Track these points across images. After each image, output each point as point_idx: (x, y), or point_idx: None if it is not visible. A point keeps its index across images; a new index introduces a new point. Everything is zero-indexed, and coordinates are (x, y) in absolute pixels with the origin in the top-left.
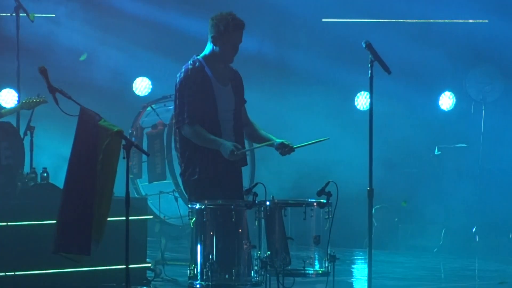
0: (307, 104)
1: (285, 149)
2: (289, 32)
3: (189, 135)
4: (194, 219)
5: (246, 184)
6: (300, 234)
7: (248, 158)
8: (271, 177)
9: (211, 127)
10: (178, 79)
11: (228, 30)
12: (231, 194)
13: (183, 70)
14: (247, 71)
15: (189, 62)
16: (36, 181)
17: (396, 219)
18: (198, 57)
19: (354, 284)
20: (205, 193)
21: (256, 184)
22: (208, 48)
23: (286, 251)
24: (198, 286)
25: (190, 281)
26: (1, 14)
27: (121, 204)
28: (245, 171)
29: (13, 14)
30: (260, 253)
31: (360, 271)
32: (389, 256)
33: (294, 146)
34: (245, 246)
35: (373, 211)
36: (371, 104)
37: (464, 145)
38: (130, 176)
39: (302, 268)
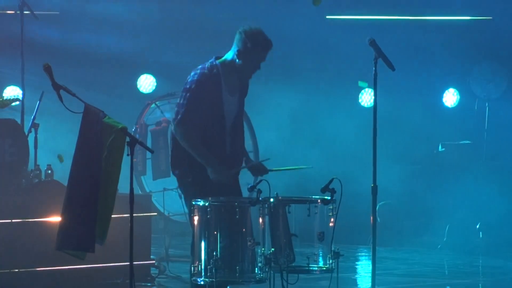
0: (311, 101)
1: (259, 171)
2: (292, 30)
3: (178, 135)
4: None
5: (250, 181)
6: (304, 231)
7: (251, 155)
8: (275, 174)
9: (218, 133)
10: (190, 78)
11: (257, 50)
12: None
13: (198, 71)
14: None
15: (207, 65)
16: (41, 178)
17: (400, 215)
18: (217, 62)
19: (358, 281)
20: (200, 193)
21: (260, 181)
22: (230, 56)
23: (290, 248)
24: (202, 283)
25: (194, 278)
26: (6, 12)
27: (125, 201)
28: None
29: (18, 12)
30: (264, 250)
31: (364, 267)
32: (393, 253)
33: (270, 169)
34: (249, 243)
35: (377, 207)
36: (375, 101)
37: (468, 142)
38: (134, 173)
39: (306, 265)
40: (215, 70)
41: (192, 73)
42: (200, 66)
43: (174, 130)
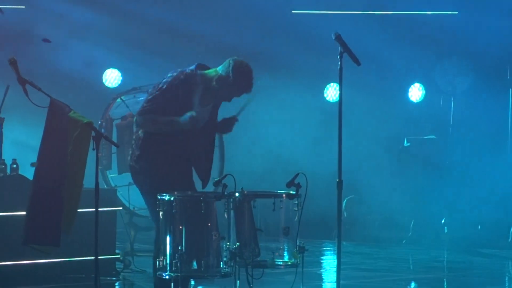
0: (276, 96)
1: (228, 124)
2: (258, 24)
3: (141, 123)
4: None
5: (215, 176)
6: (269, 226)
7: (217, 150)
8: (241, 169)
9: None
10: (165, 79)
11: (234, 87)
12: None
13: (175, 74)
14: (216, 62)
15: (186, 71)
16: (6, 172)
17: (365, 210)
18: (199, 72)
19: (323, 276)
20: (154, 186)
21: (225, 175)
22: (212, 74)
23: (255, 242)
24: (167, 277)
25: (159, 273)
26: None
27: (90, 195)
28: (215, 163)
29: None
30: (229, 245)
31: (329, 262)
32: (358, 248)
33: (236, 115)
34: (214, 237)
35: (344, 202)
36: (340, 95)
37: (433, 136)
38: (100, 167)
39: (271, 260)
40: (192, 79)
41: (169, 75)
42: (179, 70)
43: (136, 121)
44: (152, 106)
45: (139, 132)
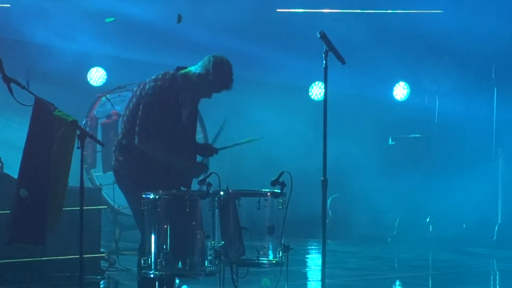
0: (261, 95)
1: (206, 151)
2: (243, 23)
3: (147, 150)
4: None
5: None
6: (254, 224)
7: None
8: (226, 168)
9: (180, 142)
10: (150, 90)
11: (214, 84)
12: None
13: (159, 83)
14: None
15: (167, 77)
16: None
17: (350, 209)
18: (179, 73)
19: (308, 274)
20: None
21: (210, 174)
22: (193, 71)
23: (240, 241)
24: (152, 276)
25: (144, 271)
26: None
27: (75, 194)
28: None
29: None
30: (214, 243)
31: (314, 261)
32: (343, 246)
33: (219, 148)
34: (199, 236)
35: (328, 201)
36: (325, 94)
37: (418, 135)
38: (84, 166)
39: (256, 258)
40: (176, 83)
41: (152, 84)
42: (160, 77)
43: (140, 145)
44: (154, 130)
45: (123, 141)
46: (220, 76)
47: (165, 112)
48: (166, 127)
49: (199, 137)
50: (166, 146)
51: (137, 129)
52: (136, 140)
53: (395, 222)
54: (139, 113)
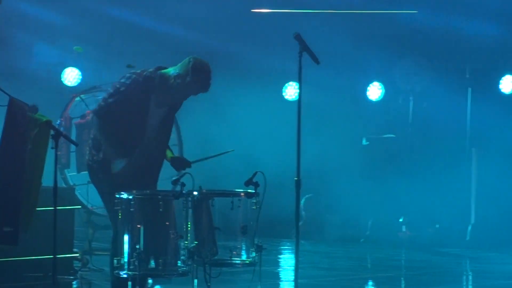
0: (235, 95)
1: (181, 165)
2: (218, 22)
3: (96, 125)
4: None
5: (174, 174)
6: (228, 224)
7: (176, 148)
8: (200, 168)
9: (134, 141)
10: (123, 80)
11: (191, 86)
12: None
13: (133, 76)
14: (176, 61)
15: (144, 74)
16: None
17: (324, 209)
18: (159, 72)
19: (281, 274)
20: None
21: (184, 174)
22: (171, 73)
23: (213, 241)
24: (125, 276)
25: (116, 271)
26: None
27: (48, 194)
28: None
29: None
30: (187, 243)
31: (287, 261)
32: (316, 246)
33: (192, 161)
34: (172, 236)
35: (302, 201)
36: (299, 94)
37: (392, 135)
38: (58, 166)
39: (229, 258)
40: (151, 82)
41: (128, 75)
42: (138, 71)
43: (92, 119)
44: (109, 108)
45: (97, 136)
46: (198, 78)
47: (128, 104)
48: (125, 117)
49: (175, 149)
50: (114, 133)
51: (95, 107)
52: (91, 115)
53: (368, 222)
54: (105, 95)
